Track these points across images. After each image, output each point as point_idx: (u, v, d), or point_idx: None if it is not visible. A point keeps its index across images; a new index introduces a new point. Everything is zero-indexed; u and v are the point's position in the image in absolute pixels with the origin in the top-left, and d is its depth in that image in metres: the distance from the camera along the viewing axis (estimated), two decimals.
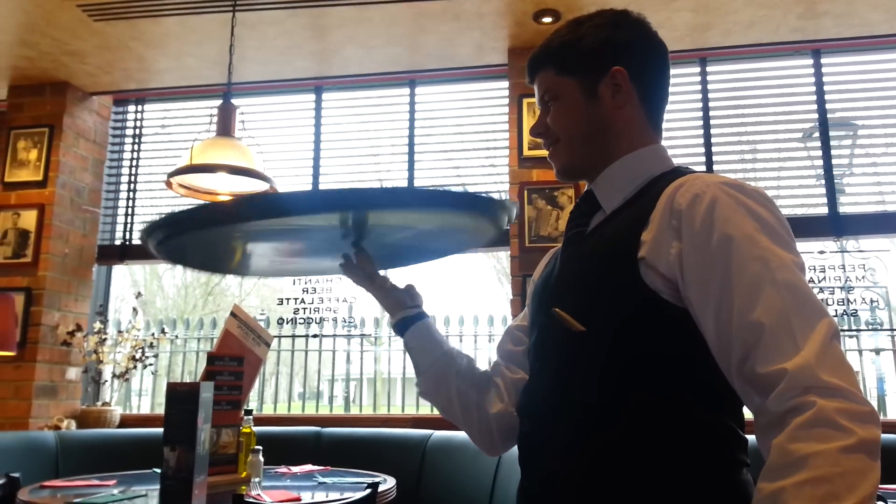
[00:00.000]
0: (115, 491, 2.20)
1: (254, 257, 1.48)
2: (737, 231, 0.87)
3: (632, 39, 1.09)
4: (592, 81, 1.07)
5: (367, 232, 1.28)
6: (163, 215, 1.15)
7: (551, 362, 1.03)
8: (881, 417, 4.89)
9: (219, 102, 2.93)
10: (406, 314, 1.29)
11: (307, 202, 1.16)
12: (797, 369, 0.78)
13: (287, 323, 4.21)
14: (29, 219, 4.02)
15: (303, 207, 1.12)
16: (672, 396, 0.92)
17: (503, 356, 1.24)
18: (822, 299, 3.66)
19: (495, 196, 1.20)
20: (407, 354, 1.32)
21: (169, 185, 2.71)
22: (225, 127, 2.76)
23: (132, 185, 4.47)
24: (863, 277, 3.68)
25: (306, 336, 4.29)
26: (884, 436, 2.69)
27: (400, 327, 1.29)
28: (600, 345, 0.95)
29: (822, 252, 3.70)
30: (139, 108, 4.58)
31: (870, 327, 3.83)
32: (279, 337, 4.39)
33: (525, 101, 3.75)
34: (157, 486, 2.01)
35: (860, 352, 4.03)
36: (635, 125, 1.08)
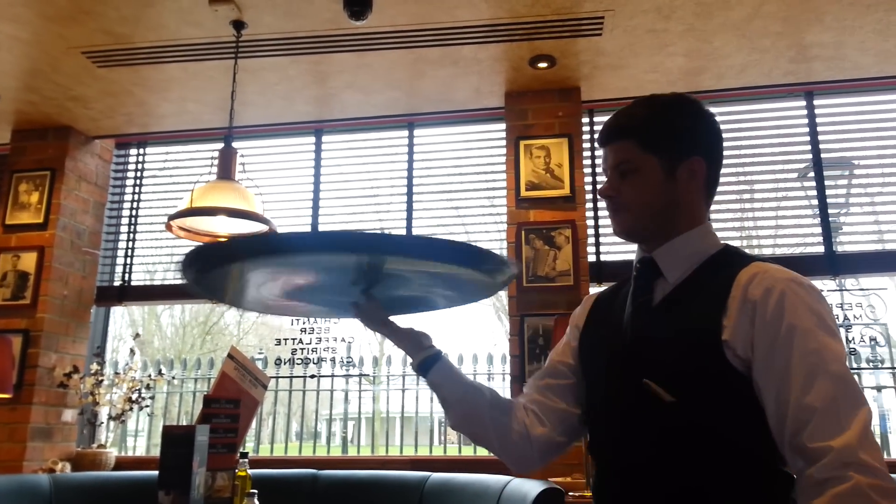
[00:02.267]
0: None
1: (269, 294, 1.52)
2: (800, 323, 1.06)
3: (708, 131, 1.27)
4: (673, 162, 1.23)
5: (380, 278, 1.35)
6: (209, 246, 1.26)
7: (641, 426, 1.16)
8: (885, 456, 4.84)
9: (220, 145, 2.97)
10: (428, 354, 1.40)
11: (318, 242, 1.29)
12: (841, 447, 0.97)
13: (285, 363, 4.20)
14: (29, 261, 4.04)
15: (314, 245, 1.26)
16: (747, 450, 1.10)
17: (540, 388, 1.39)
18: None
19: (503, 255, 1.32)
20: (428, 392, 1.49)
21: (169, 227, 2.74)
22: (225, 170, 2.80)
23: (132, 227, 4.50)
24: (861, 315, 3.68)
25: (304, 376, 4.27)
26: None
27: (425, 366, 1.39)
28: (690, 414, 1.11)
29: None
30: (141, 151, 4.63)
31: (870, 365, 3.82)
32: (277, 377, 4.37)
33: (522, 142, 3.80)
34: None
35: (861, 390, 4.02)
36: (697, 205, 1.26)
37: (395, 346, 1.46)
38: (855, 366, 3.80)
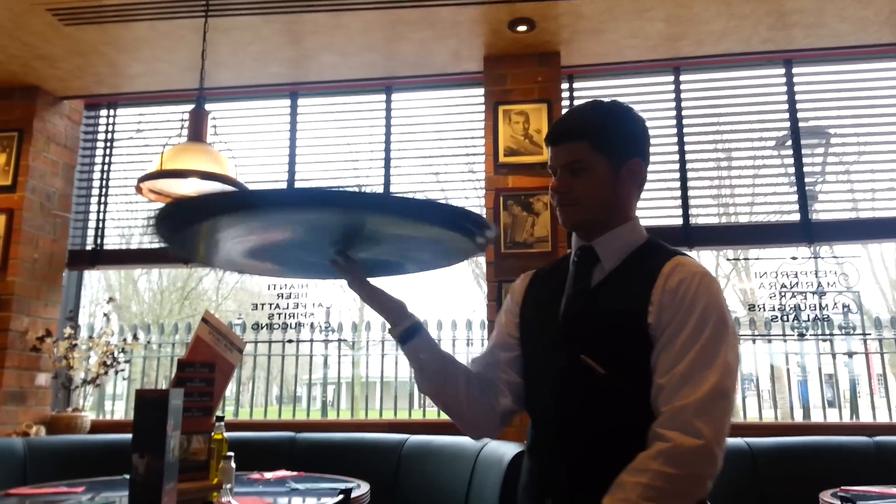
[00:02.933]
0: (84, 498, 2.17)
1: (245, 253, 1.52)
2: (704, 313, 1.25)
3: (646, 136, 1.45)
4: (619, 162, 1.39)
5: (359, 239, 1.38)
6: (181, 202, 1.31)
7: (576, 394, 1.33)
8: (854, 420, 4.96)
9: (192, 107, 2.91)
10: (410, 323, 1.47)
11: (292, 198, 1.33)
12: (681, 407, 1.20)
13: (263, 328, 4.18)
14: None
15: (290, 202, 1.29)
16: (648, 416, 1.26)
17: (500, 363, 1.51)
18: (796, 304, 3.72)
19: (482, 217, 1.36)
20: (404, 359, 1.53)
21: (139, 190, 2.69)
22: (196, 132, 2.74)
23: (104, 191, 4.42)
24: (835, 283, 3.74)
25: (283, 341, 4.26)
26: (853, 438, 2.72)
27: (405, 336, 1.46)
28: (618, 383, 1.29)
29: (794, 258, 3.76)
30: (111, 112, 4.53)
31: (842, 331, 3.89)
32: (255, 342, 4.36)
33: (501, 108, 3.77)
34: (127, 493, 1.98)
35: (833, 355, 4.09)
36: (632, 201, 1.44)
37: (370, 307, 1.49)
38: (828, 332, 3.87)
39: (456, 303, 15.26)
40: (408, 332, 1.46)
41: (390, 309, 1.48)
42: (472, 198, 4.26)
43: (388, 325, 1.51)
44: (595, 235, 1.41)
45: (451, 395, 1.48)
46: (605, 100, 1.46)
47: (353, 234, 1.36)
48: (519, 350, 1.50)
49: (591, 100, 1.48)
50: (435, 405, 1.55)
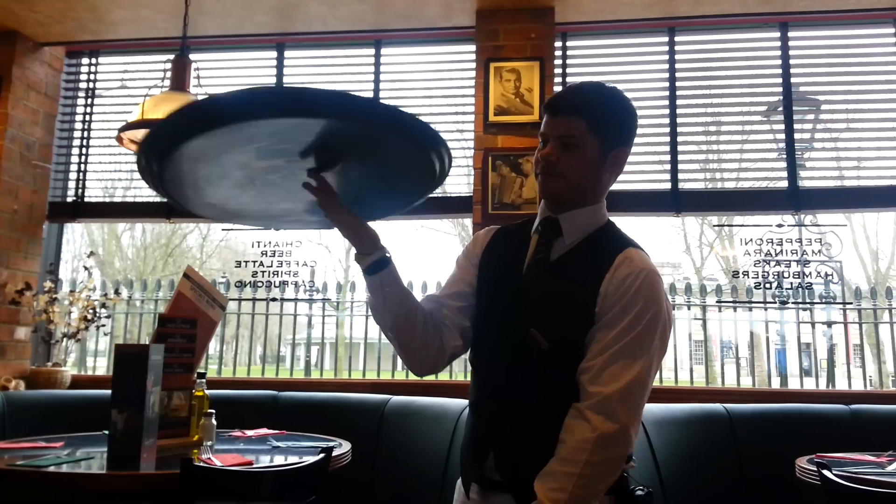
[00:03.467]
0: (63, 453, 2.15)
1: (224, 191, 1.53)
2: (643, 307, 1.37)
3: (636, 127, 1.51)
4: (608, 148, 1.45)
5: (329, 152, 1.36)
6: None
7: (519, 361, 1.45)
8: (830, 388, 5.04)
9: (175, 55, 2.82)
10: (381, 255, 1.48)
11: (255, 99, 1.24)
12: (605, 395, 1.35)
13: (247, 286, 4.15)
14: None
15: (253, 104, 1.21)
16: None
17: (454, 308, 1.56)
18: (779, 272, 3.73)
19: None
20: (370, 295, 1.52)
21: (120, 140, 2.62)
22: (179, 81, 2.66)
23: (85, 141, 4.31)
24: (818, 252, 3.74)
25: (266, 300, 4.23)
26: (830, 406, 2.73)
27: (377, 266, 1.47)
28: (558, 357, 1.41)
29: (780, 225, 3.75)
30: (93, 60, 4.40)
31: (823, 301, 3.91)
32: (239, 300, 4.32)
33: (492, 65, 3.69)
34: (106, 449, 1.97)
35: (813, 324, 4.13)
36: (607, 185, 1.52)
37: (342, 235, 1.49)
38: (808, 301, 3.89)
39: (442, 266, 15.27)
40: (378, 262, 1.47)
41: (363, 236, 1.47)
42: (461, 158, 4.20)
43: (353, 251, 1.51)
44: (563, 210, 1.48)
45: (408, 331, 1.51)
46: (609, 85, 1.50)
47: (323, 146, 1.34)
48: (474, 300, 1.57)
49: (596, 81, 1.52)
50: (386, 337, 1.57)
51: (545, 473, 1.34)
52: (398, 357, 1.60)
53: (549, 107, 1.47)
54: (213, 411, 2.33)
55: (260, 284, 4.09)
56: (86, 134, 4.32)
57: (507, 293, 1.49)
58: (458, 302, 1.57)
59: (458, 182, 4.09)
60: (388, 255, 1.49)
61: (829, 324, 4.77)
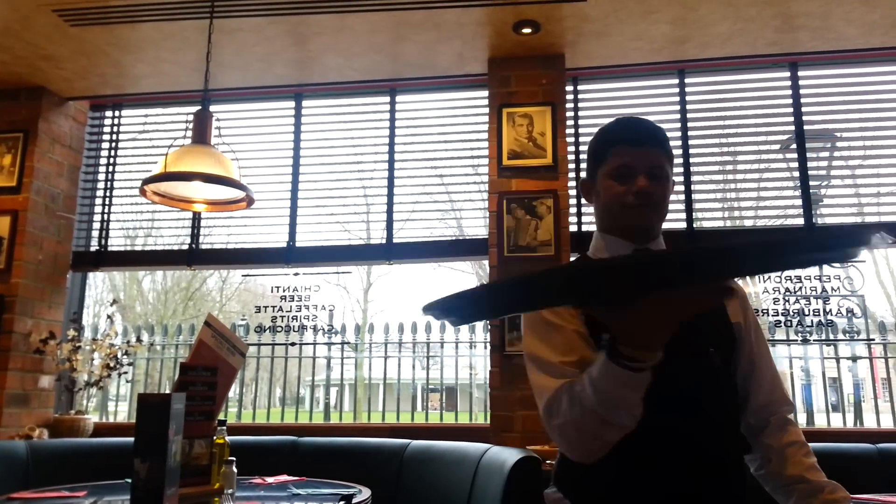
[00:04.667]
0: (86, 503, 2.16)
1: None
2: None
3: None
4: (673, 178, 1.51)
5: None
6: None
7: (703, 384, 1.38)
8: (856, 426, 4.94)
9: (197, 108, 2.90)
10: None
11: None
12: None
13: (267, 330, 4.18)
14: (2, 225, 3.96)
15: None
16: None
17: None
18: (800, 308, 3.70)
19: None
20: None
21: (143, 192, 2.68)
22: (201, 134, 2.73)
23: (108, 192, 4.42)
24: (839, 287, 3.72)
25: (286, 344, 4.26)
26: (856, 445, 2.68)
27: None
28: (729, 371, 1.47)
29: None
30: (116, 113, 4.53)
31: (847, 336, 3.87)
32: (259, 345, 4.35)
33: (505, 110, 3.76)
34: (129, 498, 1.98)
35: (837, 360, 4.07)
36: None
37: (659, 325, 1.01)
38: (832, 336, 3.85)
39: None
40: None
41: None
42: (476, 201, 4.24)
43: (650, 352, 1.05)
44: (650, 239, 1.50)
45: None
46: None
47: None
48: None
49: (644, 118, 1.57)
50: (596, 434, 1.20)
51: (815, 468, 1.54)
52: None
53: (643, 137, 1.44)
54: (234, 459, 2.34)
55: (279, 329, 4.12)
56: (109, 184, 4.43)
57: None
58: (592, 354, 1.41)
59: (476, 224, 4.13)
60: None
61: (854, 359, 4.69)
